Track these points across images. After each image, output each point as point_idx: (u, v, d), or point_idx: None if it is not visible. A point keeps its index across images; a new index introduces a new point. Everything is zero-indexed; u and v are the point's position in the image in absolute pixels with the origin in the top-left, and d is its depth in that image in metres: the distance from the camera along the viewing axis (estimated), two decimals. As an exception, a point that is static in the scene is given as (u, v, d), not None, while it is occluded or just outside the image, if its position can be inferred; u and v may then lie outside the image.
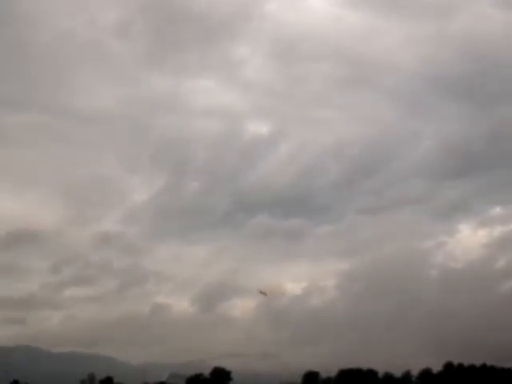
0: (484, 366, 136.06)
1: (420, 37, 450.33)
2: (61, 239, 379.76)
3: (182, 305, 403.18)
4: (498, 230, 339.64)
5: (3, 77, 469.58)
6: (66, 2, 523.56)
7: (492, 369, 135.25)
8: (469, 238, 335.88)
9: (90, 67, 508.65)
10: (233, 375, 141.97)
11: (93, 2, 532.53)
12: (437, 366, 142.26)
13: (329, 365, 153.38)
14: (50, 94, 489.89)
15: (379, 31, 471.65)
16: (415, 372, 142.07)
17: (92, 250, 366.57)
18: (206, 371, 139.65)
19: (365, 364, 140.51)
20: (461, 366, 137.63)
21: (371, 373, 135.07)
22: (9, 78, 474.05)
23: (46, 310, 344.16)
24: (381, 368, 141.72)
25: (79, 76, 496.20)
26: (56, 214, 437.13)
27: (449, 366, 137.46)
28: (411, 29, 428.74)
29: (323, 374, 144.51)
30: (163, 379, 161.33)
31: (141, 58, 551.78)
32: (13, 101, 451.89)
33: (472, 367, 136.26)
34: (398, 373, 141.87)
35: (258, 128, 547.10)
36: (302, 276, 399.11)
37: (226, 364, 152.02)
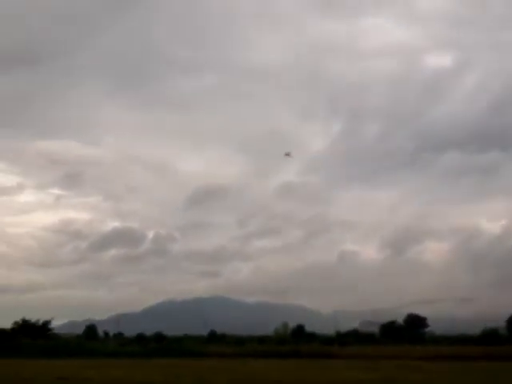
0: None
1: None
2: (245, 193, 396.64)
3: (369, 251, 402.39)
4: None
5: (176, 42, 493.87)
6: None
7: None
8: None
9: (257, 21, 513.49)
10: (428, 321, 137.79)
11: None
12: None
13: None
14: (221, 54, 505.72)
15: None
16: None
17: (276, 202, 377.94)
18: (399, 318, 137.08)
19: None
20: None
21: None
22: (181, 43, 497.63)
23: (236, 261, 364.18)
24: None
25: (247, 32, 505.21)
26: (238, 169, 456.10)
27: None
28: None
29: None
30: (355, 327, 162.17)
31: (308, 4, 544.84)
32: (187, 65, 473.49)
33: None
34: None
35: (440, 61, 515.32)
36: (501, 213, 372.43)
37: (420, 310, 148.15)
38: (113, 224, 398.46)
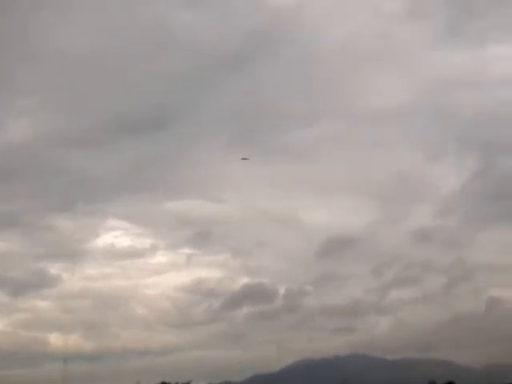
0: None
1: None
2: (376, 241, 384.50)
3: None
4: None
5: (290, 94, 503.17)
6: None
7: None
8: None
9: (374, 63, 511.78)
10: None
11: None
12: None
13: None
14: (337, 102, 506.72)
15: None
16: None
17: (410, 249, 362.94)
18: None
19: None
20: None
21: None
22: (295, 95, 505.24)
23: (373, 315, 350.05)
24: None
25: (364, 76, 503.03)
26: (367, 217, 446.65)
27: None
28: None
29: None
30: (511, 381, 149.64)
31: (428, 38, 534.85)
32: (303, 116, 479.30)
33: None
34: None
35: None
36: None
37: None
38: (243, 281, 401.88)
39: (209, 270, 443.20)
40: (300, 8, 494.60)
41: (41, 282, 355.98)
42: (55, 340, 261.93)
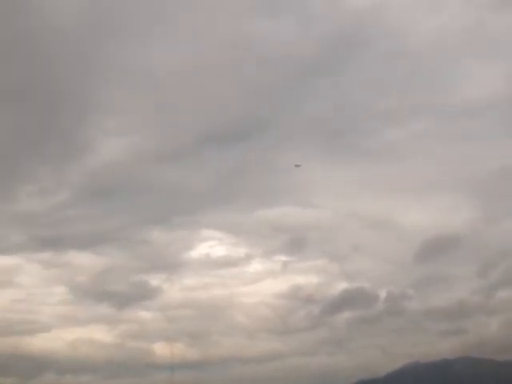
0: None
1: None
2: (480, 240, 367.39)
3: None
4: None
5: (376, 94, 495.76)
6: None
7: None
8: None
9: (467, 55, 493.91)
10: None
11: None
12: None
13: None
14: (429, 97, 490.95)
15: None
16: None
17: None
18: None
19: None
20: None
21: None
22: (381, 94, 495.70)
23: (480, 316, 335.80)
24: None
25: (457, 68, 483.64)
26: (468, 215, 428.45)
27: None
28: None
29: None
30: None
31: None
32: (394, 114, 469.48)
33: None
34: None
35: None
36: None
37: None
38: (342, 285, 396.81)
39: (306, 276, 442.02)
40: (382, 5, 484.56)
41: (143, 294, 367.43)
42: (160, 350, 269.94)
